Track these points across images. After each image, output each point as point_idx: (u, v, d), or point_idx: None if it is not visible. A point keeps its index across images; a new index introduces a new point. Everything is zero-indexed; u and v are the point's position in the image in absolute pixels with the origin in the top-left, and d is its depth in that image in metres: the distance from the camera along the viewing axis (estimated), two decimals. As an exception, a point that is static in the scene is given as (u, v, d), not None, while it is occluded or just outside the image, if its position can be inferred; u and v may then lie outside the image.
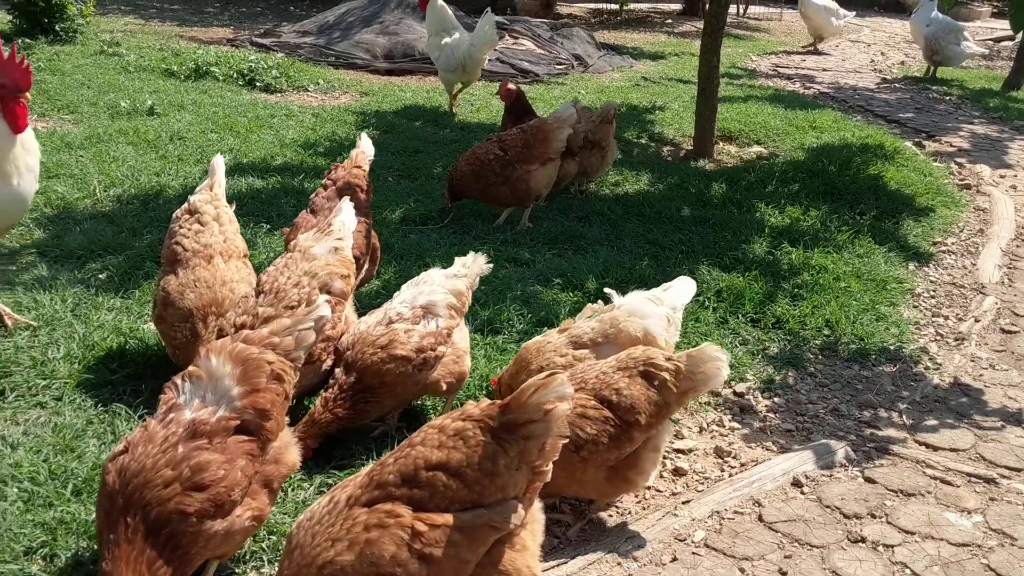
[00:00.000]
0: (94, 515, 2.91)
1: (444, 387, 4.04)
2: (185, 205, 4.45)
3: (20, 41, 10.67)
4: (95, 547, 3.01)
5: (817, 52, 16.80)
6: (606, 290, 4.10)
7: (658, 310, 3.91)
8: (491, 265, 4.36)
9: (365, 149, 5.13)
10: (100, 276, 5.22)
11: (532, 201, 6.66)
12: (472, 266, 4.26)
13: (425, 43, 11.24)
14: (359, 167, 5.05)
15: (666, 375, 3.38)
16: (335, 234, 4.20)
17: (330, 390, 3.79)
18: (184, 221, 4.35)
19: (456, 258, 4.33)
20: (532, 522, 2.79)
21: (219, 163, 4.67)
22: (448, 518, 2.55)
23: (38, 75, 9.50)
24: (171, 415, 2.82)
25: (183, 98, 9.48)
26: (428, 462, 2.61)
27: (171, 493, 2.63)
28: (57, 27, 11.31)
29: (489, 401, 2.73)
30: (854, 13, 17.48)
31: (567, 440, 2.76)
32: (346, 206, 4.36)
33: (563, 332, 3.95)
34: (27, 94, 4.32)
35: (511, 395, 2.67)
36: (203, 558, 2.80)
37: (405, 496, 2.58)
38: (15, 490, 3.36)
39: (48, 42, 11.14)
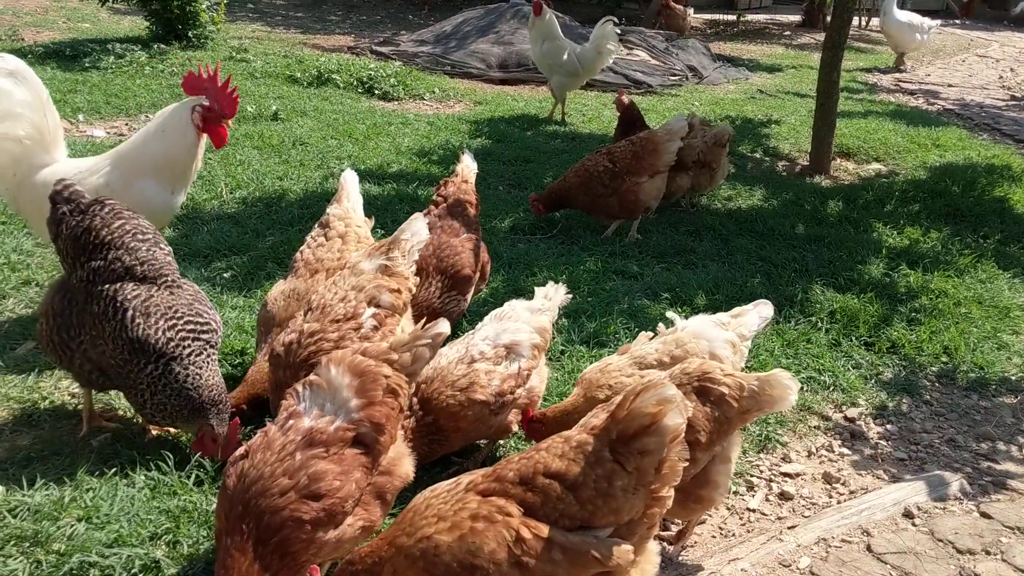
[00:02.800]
0: (215, 507, 3.06)
1: (515, 429, 3.93)
2: (323, 216, 4.59)
3: (156, 47, 11.21)
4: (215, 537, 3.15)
5: (900, 70, 15.96)
6: (668, 313, 4.00)
7: (723, 334, 3.72)
8: (571, 296, 4.29)
9: (469, 164, 5.23)
10: (225, 275, 5.46)
11: (640, 213, 6.65)
12: (554, 297, 4.15)
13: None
14: (467, 181, 5.13)
15: (724, 389, 3.16)
16: (391, 250, 4.03)
17: (406, 424, 3.62)
18: (316, 232, 4.51)
19: (536, 289, 4.23)
20: (644, 562, 2.69)
21: (349, 178, 4.73)
22: (555, 533, 2.50)
23: (171, 79, 9.99)
24: (290, 422, 2.87)
25: (305, 104, 9.81)
26: (547, 469, 2.58)
27: (287, 501, 2.69)
28: (190, 33, 11.84)
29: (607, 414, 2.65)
30: (939, 23, 16.64)
31: (686, 463, 2.66)
32: (417, 222, 4.25)
33: (624, 354, 3.76)
34: (229, 121, 4.59)
35: (612, 408, 2.60)
36: (312, 564, 2.85)
37: (518, 497, 2.56)
38: (142, 477, 3.55)
39: (181, 47, 11.65)
